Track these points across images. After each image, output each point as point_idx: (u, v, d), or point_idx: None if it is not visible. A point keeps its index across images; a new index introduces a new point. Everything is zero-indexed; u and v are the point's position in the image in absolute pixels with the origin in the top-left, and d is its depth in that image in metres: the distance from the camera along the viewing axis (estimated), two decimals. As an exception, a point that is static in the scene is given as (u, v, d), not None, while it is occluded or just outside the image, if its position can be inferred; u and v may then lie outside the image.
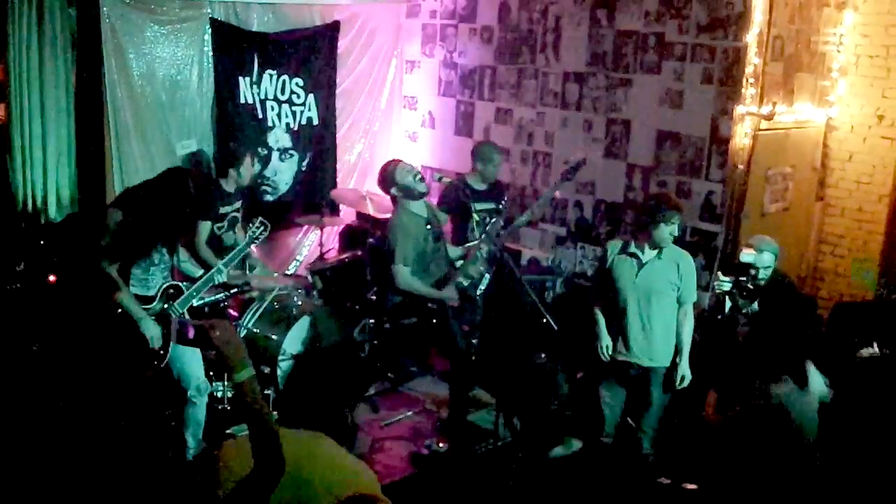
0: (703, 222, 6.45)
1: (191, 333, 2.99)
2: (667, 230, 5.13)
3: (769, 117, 6.34)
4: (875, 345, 4.87)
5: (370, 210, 7.28)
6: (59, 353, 5.40)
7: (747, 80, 6.21)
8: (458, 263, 6.13)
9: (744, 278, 5.31)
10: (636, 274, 5.25)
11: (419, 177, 5.76)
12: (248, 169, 6.31)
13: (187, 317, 5.19)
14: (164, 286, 5.13)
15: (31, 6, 6.18)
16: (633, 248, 5.29)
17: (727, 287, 5.39)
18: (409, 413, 6.16)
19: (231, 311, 6.09)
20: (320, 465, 2.97)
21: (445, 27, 8.10)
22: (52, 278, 5.94)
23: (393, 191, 5.78)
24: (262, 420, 2.80)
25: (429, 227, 5.80)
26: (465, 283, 6.13)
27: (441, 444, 5.68)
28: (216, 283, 5.36)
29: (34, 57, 6.29)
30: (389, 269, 5.73)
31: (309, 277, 6.69)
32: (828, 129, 7.17)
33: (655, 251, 5.22)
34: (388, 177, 5.77)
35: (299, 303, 6.09)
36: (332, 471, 2.97)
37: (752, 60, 6.20)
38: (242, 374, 2.82)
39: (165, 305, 5.10)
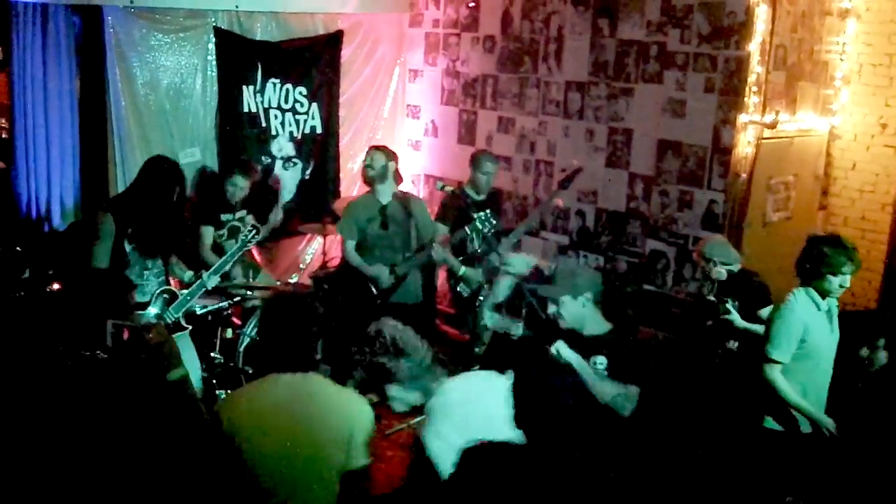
0: (705, 231, 6.44)
1: (126, 335, 3.11)
2: (836, 282, 4.38)
3: (772, 126, 6.34)
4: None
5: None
6: (61, 359, 5.39)
7: (750, 89, 6.22)
8: (463, 271, 6.28)
9: (725, 299, 5.26)
10: (830, 328, 4.53)
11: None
12: (235, 186, 6.31)
13: (182, 321, 5.18)
14: (158, 291, 5.14)
15: (36, 14, 6.21)
16: (814, 297, 4.48)
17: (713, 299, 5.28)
18: (414, 422, 6.14)
19: (234, 320, 6.10)
20: (319, 403, 3.07)
21: (448, 36, 8.12)
22: (55, 286, 5.95)
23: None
24: (196, 412, 2.94)
25: (383, 213, 6.15)
26: (466, 293, 6.19)
27: None
28: (208, 287, 5.36)
29: (38, 65, 6.32)
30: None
31: (312, 284, 6.69)
32: (831, 137, 7.17)
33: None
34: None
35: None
36: (333, 405, 3.08)
37: (755, 69, 6.21)
38: (175, 374, 2.98)
39: (160, 310, 5.10)
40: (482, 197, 6.59)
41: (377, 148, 6.35)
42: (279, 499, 2.96)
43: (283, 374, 3.08)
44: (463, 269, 6.29)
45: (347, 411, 3.08)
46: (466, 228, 6.12)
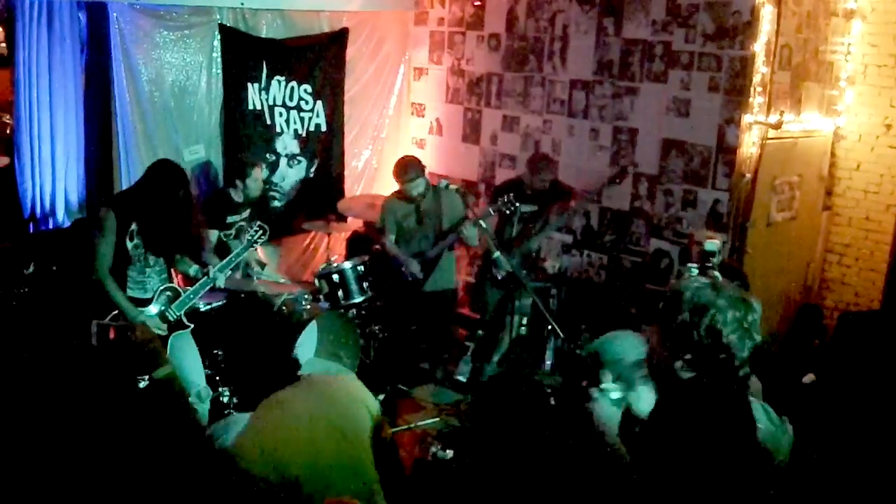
0: (709, 231, 6.43)
1: (111, 334, 3.16)
2: None
3: (776, 126, 6.33)
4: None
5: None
6: (62, 357, 5.41)
7: (754, 89, 6.21)
8: (496, 255, 6.35)
9: (709, 265, 5.24)
10: None
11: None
12: (256, 181, 6.44)
13: (183, 320, 5.18)
14: (161, 288, 5.14)
15: (41, 11, 6.22)
16: None
17: (695, 274, 5.25)
18: (422, 423, 6.16)
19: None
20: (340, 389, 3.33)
21: (453, 35, 8.12)
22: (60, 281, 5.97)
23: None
24: (185, 409, 2.98)
25: (418, 209, 6.58)
26: (500, 276, 6.55)
27: (446, 451, 5.68)
28: (219, 285, 5.36)
29: (43, 62, 6.33)
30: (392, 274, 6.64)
31: (316, 282, 6.70)
32: (835, 138, 7.16)
33: None
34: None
35: (307, 307, 6.11)
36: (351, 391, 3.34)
37: (760, 69, 6.21)
38: (161, 372, 3.01)
39: (163, 308, 5.10)
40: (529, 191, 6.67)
41: (417, 171, 6.55)
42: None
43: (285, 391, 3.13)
44: (497, 253, 6.27)
45: (362, 396, 3.30)
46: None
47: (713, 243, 5.22)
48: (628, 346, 3.36)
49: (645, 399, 3.16)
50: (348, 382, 3.40)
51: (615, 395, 2.85)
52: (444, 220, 6.59)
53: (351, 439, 3.14)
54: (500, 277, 6.55)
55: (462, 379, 6.75)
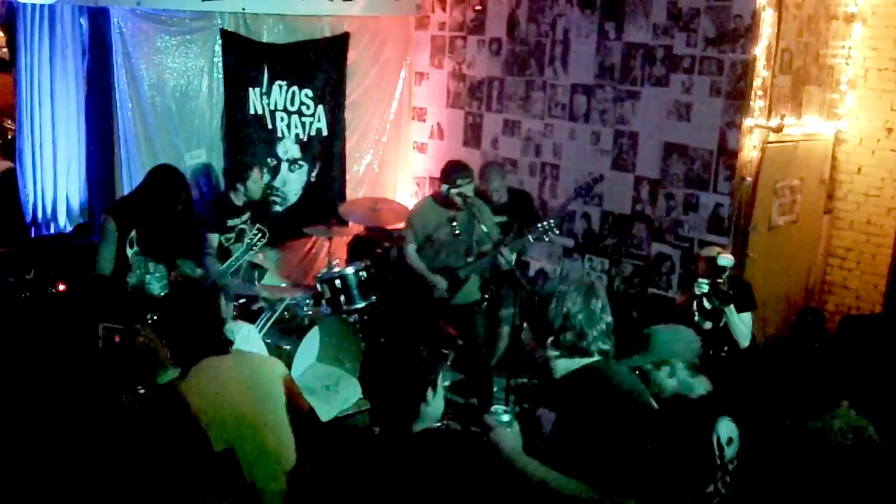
0: (710, 235, 6.43)
1: (116, 338, 3.16)
2: None
3: (777, 130, 6.34)
4: None
5: (379, 221, 7.29)
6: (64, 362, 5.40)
7: (755, 93, 6.22)
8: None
9: (720, 280, 5.23)
10: None
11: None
12: (256, 183, 6.45)
13: None
14: (161, 294, 5.14)
15: (43, 16, 6.23)
16: None
17: (705, 289, 5.16)
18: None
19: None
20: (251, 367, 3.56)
21: (454, 39, 8.12)
22: (61, 287, 5.96)
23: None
24: (185, 415, 3.03)
25: (453, 222, 6.02)
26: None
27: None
28: None
29: (45, 66, 6.34)
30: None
31: (317, 287, 6.71)
32: (836, 141, 7.16)
33: None
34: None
35: (309, 312, 6.10)
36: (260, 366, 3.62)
37: (761, 73, 6.21)
38: (165, 377, 3.02)
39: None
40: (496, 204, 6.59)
41: (471, 172, 6.17)
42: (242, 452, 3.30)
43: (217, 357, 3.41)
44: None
45: (272, 367, 3.57)
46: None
47: (727, 259, 5.22)
48: (679, 337, 3.79)
49: (692, 385, 3.69)
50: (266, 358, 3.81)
51: (505, 417, 2.97)
52: (478, 234, 6.16)
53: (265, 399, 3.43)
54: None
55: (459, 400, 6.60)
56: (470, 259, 6.17)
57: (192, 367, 3.32)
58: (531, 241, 6.04)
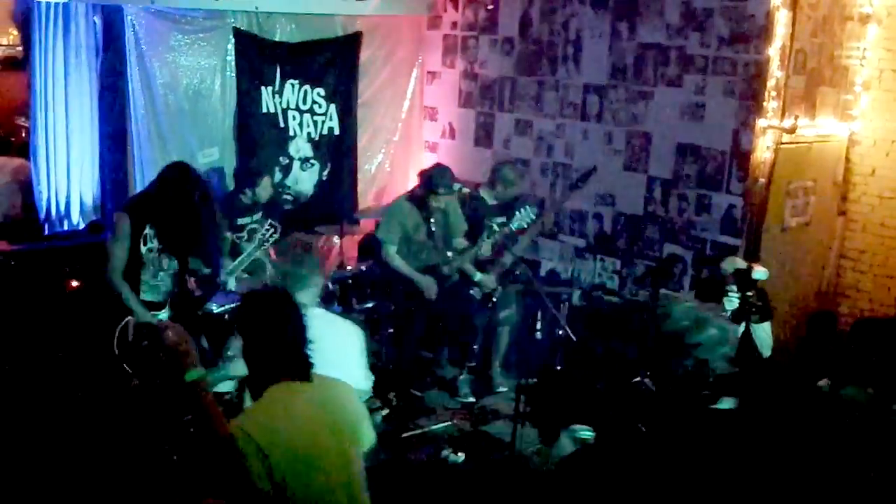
0: (723, 236, 6.42)
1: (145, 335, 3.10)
2: None
3: (791, 131, 6.30)
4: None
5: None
6: (80, 359, 5.43)
7: (769, 94, 6.19)
8: (477, 277, 6.39)
9: (750, 293, 5.10)
10: None
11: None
12: (265, 189, 6.53)
13: None
14: (174, 292, 5.14)
15: (57, 15, 6.26)
16: None
17: (736, 304, 4.98)
18: (435, 427, 6.15)
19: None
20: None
21: (466, 38, 8.12)
22: (74, 284, 5.98)
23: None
24: (208, 420, 2.90)
25: (428, 221, 6.26)
26: (478, 296, 6.40)
27: (457, 454, 5.67)
28: (229, 288, 5.37)
29: (59, 65, 6.38)
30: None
31: (329, 286, 6.71)
32: (850, 143, 7.12)
33: None
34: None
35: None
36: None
37: (775, 74, 6.18)
38: (193, 374, 2.94)
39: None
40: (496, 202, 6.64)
41: (453, 182, 6.39)
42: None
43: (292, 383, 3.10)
44: (479, 275, 6.42)
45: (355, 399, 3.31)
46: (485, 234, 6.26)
47: (762, 272, 5.15)
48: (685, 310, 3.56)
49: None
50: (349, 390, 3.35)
51: (585, 434, 2.98)
52: (451, 231, 6.47)
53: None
54: (478, 297, 6.47)
55: (471, 400, 6.58)
56: (450, 254, 6.35)
57: (263, 393, 3.06)
58: (513, 230, 6.18)
